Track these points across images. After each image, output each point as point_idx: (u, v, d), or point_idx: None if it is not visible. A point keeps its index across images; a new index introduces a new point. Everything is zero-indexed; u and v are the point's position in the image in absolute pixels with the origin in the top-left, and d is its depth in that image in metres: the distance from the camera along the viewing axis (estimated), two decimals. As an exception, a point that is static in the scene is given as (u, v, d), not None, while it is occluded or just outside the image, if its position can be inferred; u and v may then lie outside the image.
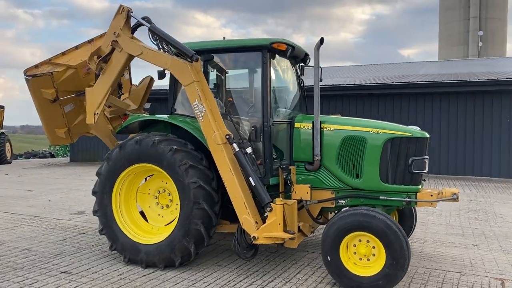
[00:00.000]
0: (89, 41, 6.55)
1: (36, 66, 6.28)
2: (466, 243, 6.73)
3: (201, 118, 5.11)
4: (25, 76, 6.20)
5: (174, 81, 5.83)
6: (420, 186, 5.26)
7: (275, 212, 4.90)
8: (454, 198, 5.16)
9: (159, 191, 5.77)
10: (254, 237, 4.90)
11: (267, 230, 4.90)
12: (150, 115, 5.90)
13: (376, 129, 5.28)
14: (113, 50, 5.54)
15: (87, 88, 5.81)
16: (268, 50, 5.39)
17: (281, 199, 5.02)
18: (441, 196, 5.22)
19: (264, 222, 4.99)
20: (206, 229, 5.22)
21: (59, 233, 7.16)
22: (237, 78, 6.51)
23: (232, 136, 5.07)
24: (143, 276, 5.19)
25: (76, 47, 6.47)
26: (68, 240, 6.73)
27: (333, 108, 15.78)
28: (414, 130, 5.30)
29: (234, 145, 5.01)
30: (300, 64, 6.35)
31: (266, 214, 4.96)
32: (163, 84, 16.31)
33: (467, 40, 46.05)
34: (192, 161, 5.20)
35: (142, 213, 5.89)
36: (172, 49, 5.42)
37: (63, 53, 6.41)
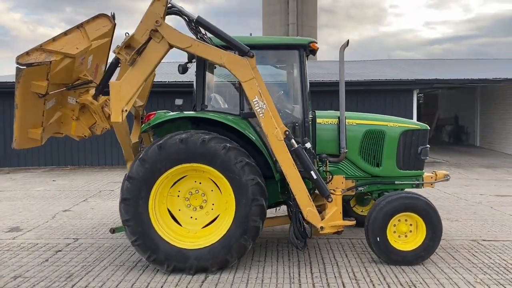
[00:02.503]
0: (78, 27, 5.62)
1: (27, 54, 5.12)
2: (416, 216, 8.10)
3: (261, 115, 5.07)
4: (17, 65, 5.00)
5: (202, 76, 5.55)
6: (424, 171, 6.25)
7: (335, 202, 5.26)
8: (447, 179, 6.31)
9: (191, 192, 5.44)
10: (321, 227, 5.16)
11: (331, 220, 5.22)
12: (179, 112, 5.49)
13: (393, 123, 6.07)
14: (147, 40, 4.99)
15: (112, 81, 5.08)
16: (304, 49, 5.63)
17: (340, 189, 5.38)
18: (436, 178, 6.30)
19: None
20: (262, 225, 5.22)
21: (26, 254, 5.95)
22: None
23: (290, 132, 5.18)
24: (204, 282, 4.93)
25: (65, 33, 5.48)
26: (53, 260, 5.69)
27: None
28: (419, 123, 6.27)
29: (293, 141, 5.15)
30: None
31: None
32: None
33: (288, 44, 51.28)
34: (247, 158, 5.13)
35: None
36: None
37: (54, 39, 5.35)
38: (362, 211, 7.22)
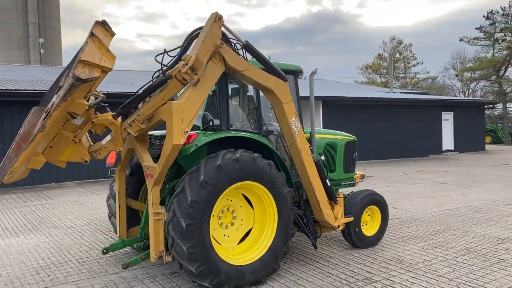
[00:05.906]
0: (90, 36, 4.81)
1: (76, 67, 4.12)
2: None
3: (297, 133, 5.66)
4: (74, 81, 3.98)
5: (226, 95, 5.67)
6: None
7: (340, 203, 6.34)
8: (366, 178, 8.22)
9: (223, 211, 5.52)
10: (338, 226, 6.15)
11: (341, 218, 6.26)
12: (224, 132, 5.48)
13: (340, 136, 7.53)
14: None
15: (174, 102, 4.69)
16: (298, 73, 6.47)
17: (341, 193, 6.45)
18: (358, 178, 8.10)
19: None
20: (294, 231, 5.83)
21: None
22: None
23: (311, 147, 5.96)
24: (268, 292, 5.19)
25: (86, 43, 4.61)
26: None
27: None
28: (351, 135, 7.91)
29: (313, 155, 5.96)
30: None
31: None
32: None
33: (28, 45, 45.92)
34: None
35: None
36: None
37: (83, 50, 4.45)
38: None
